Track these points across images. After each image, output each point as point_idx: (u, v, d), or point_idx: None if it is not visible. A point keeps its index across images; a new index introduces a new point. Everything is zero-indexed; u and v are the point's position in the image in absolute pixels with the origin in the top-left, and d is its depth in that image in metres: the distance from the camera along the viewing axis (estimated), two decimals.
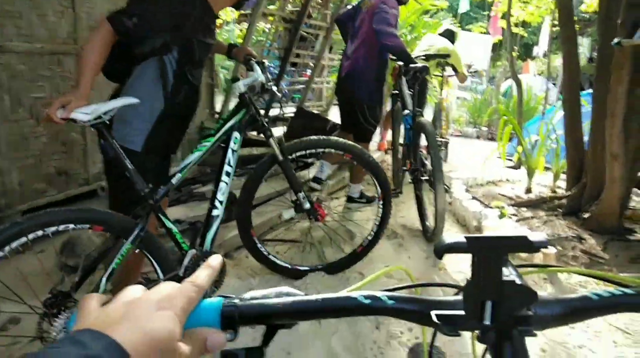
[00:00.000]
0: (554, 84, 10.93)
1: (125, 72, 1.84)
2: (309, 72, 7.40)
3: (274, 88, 2.18)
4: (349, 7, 3.72)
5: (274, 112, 5.67)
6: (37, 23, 2.68)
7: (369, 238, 2.66)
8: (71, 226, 1.58)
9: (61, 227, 1.55)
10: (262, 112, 2.16)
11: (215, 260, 0.47)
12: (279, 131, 5.35)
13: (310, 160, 4.29)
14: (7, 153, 2.58)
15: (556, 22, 5.15)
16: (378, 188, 2.59)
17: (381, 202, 2.62)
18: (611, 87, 2.81)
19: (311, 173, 4.20)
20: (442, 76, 5.55)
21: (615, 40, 2.56)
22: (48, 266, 2.34)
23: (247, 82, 2.09)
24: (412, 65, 3.17)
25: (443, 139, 5.69)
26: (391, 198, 2.66)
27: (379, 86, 3.51)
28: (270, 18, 5.54)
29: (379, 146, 5.77)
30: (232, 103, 4.71)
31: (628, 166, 3.07)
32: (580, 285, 2.71)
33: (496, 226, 3.17)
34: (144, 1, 1.75)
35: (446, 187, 3.23)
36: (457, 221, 3.64)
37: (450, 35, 5.45)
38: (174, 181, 1.89)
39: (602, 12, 3.14)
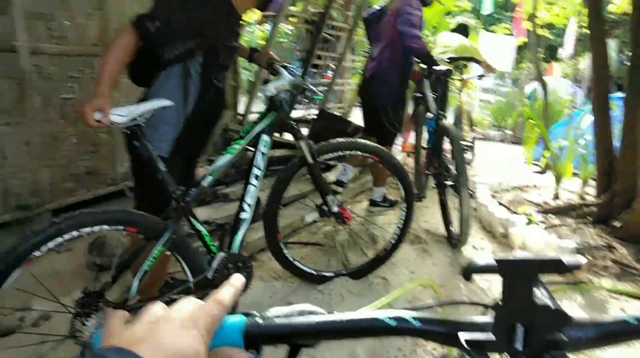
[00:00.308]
0: (579, 87, 10.70)
1: (151, 76, 1.84)
2: (330, 74, 7.39)
3: (311, 86, 2.18)
4: (376, 7, 3.69)
5: (296, 114, 5.71)
6: (67, 25, 2.72)
7: (392, 241, 2.64)
8: (105, 227, 1.59)
9: (96, 228, 1.56)
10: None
11: (238, 279, 0.47)
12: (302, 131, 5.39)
13: (331, 162, 4.28)
14: (38, 153, 2.63)
15: (582, 24, 5.03)
16: (402, 190, 2.57)
17: (405, 205, 2.60)
18: None
19: (331, 175, 4.20)
20: (461, 79, 5.46)
21: None
22: (77, 264, 2.38)
23: (277, 84, 2.07)
24: (435, 68, 3.13)
25: (468, 142, 5.60)
26: (413, 199, 2.63)
27: (402, 88, 3.48)
28: (293, 20, 5.54)
29: (402, 147, 5.72)
30: (256, 105, 4.76)
31: None
32: (612, 296, 2.64)
33: (523, 233, 3.11)
34: (168, 6, 1.74)
35: (471, 192, 3.18)
36: (482, 227, 3.58)
37: (463, 29, 5.36)
38: (204, 183, 1.88)
39: (635, 17, 3.05)
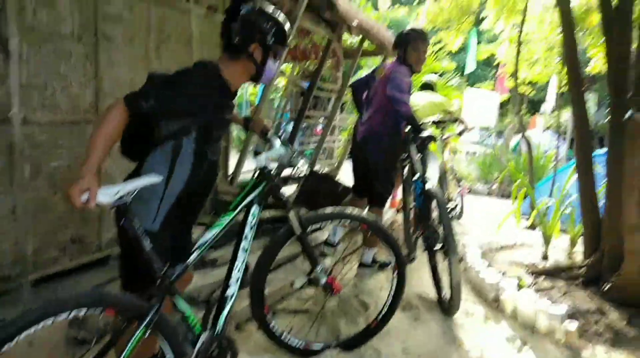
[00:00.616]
0: (563, 138, 10.98)
1: (144, 151, 1.83)
2: (319, 127, 7.54)
3: (300, 161, 2.21)
4: (364, 75, 3.85)
5: (285, 171, 5.75)
6: (60, 94, 2.76)
7: (384, 311, 2.59)
8: (83, 310, 1.54)
9: (73, 313, 1.51)
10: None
11: None
12: (291, 189, 5.40)
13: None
14: (24, 222, 2.58)
15: (563, 81, 5.25)
16: (393, 258, 2.55)
17: (396, 272, 2.57)
18: (626, 158, 2.80)
19: (321, 234, 4.18)
20: (443, 138, 5.57)
21: (628, 114, 2.59)
22: (56, 339, 2.29)
23: (269, 155, 2.07)
24: (421, 134, 3.21)
25: (455, 202, 5.67)
26: (406, 268, 2.61)
27: (394, 151, 3.56)
28: (284, 80, 5.70)
29: (390, 204, 5.75)
30: (246, 164, 4.79)
31: None
32: None
33: (515, 298, 3.09)
34: (163, 85, 1.74)
35: (460, 256, 3.18)
36: (473, 290, 3.54)
37: (430, 87, 5.59)
38: (190, 260, 1.85)
39: (612, 83, 3.19)
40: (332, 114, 6.23)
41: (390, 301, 2.58)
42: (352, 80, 6.39)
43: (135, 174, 1.85)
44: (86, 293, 1.62)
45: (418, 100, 5.32)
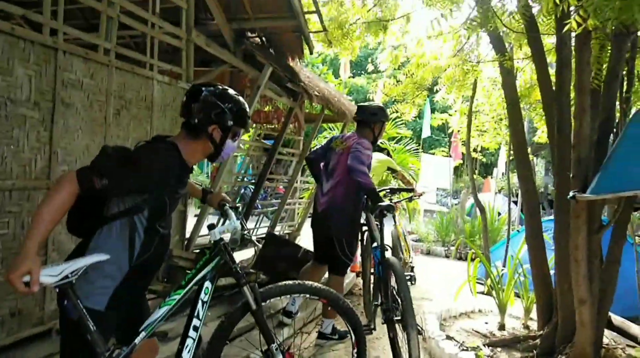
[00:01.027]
0: (515, 202, 11.45)
1: (91, 227, 1.77)
2: (281, 186, 7.58)
3: (252, 238, 2.20)
4: (318, 147, 3.93)
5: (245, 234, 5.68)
6: (11, 159, 2.67)
7: None
8: None
9: None
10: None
11: None
12: (249, 253, 5.30)
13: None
14: None
15: (512, 149, 5.58)
16: (352, 335, 2.50)
17: (355, 350, 2.51)
18: (572, 235, 2.94)
19: (279, 303, 4.08)
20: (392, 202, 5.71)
21: (571, 194, 2.74)
22: None
23: (223, 229, 2.06)
24: (380, 204, 3.26)
25: (409, 266, 5.74)
26: (365, 344, 2.55)
27: (356, 221, 3.62)
28: (246, 146, 5.75)
29: (351, 268, 5.73)
30: (205, 223, 4.69)
31: (596, 308, 3.11)
32: None
33: None
34: (118, 162, 1.71)
35: (419, 328, 3.16)
36: None
37: (380, 148, 5.82)
38: (137, 340, 1.78)
39: (554, 160, 3.40)
40: (293, 177, 6.30)
41: None
42: (313, 144, 6.56)
43: (80, 250, 1.79)
44: None
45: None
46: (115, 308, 1.77)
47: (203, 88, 1.90)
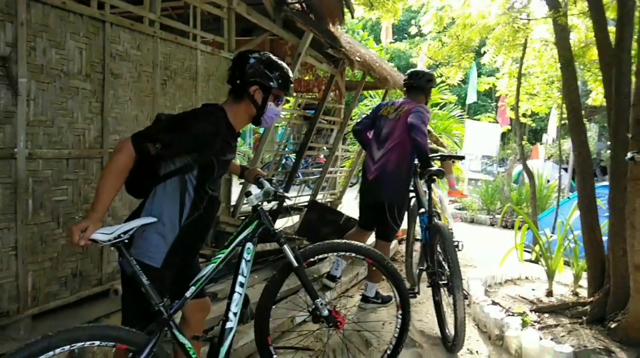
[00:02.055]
0: (565, 169, 11.00)
1: (147, 188, 1.90)
2: (322, 156, 7.60)
3: (286, 194, 2.27)
4: (365, 116, 3.87)
5: (288, 202, 5.77)
6: (66, 129, 2.80)
7: (388, 352, 2.55)
8: (97, 343, 1.61)
9: (87, 343, 1.59)
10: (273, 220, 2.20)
11: None
12: (294, 219, 5.39)
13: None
14: (24, 257, 2.58)
15: (563, 114, 5.33)
16: (397, 297, 2.52)
17: (400, 312, 2.53)
18: (628, 199, 2.80)
19: (323, 267, 4.16)
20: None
21: (629, 155, 2.60)
22: None
23: (259, 194, 2.15)
24: (429, 169, 3.22)
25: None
26: (409, 308, 2.57)
27: (406, 187, 3.60)
28: (287, 115, 5.77)
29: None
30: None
31: None
32: None
33: (519, 337, 3.04)
34: (171, 126, 1.83)
35: (465, 293, 3.15)
36: (477, 326, 3.49)
37: None
38: (187, 294, 1.89)
39: (611, 122, 3.22)
40: (334, 146, 6.29)
41: (394, 341, 2.54)
42: (354, 112, 6.49)
43: (138, 211, 1.92)
44: (102, 326, 1.71)
45: None
46: (171, 267, 1.89)
47: (249, 54, 1.99)
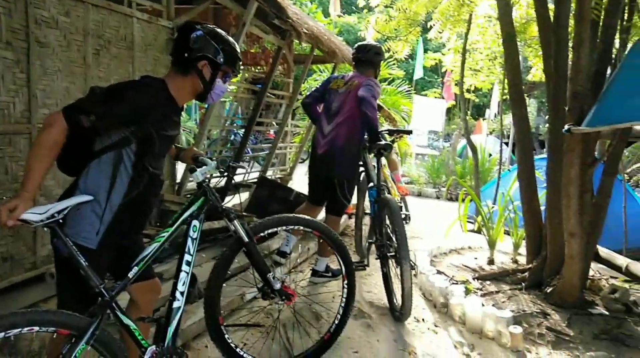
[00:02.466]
0: (506, 143, 11.49)
1: (81, 165, 1.78)
2: (272, 131, 7.48)
3: (240, 164, 2.27)
4: (314, 89, 3.80)
5: (236, 178, 5.65)
6: None
7: (336, 322, 2.59)
8: (36, 328, 1.53)
9: (25, 330, 1.50)
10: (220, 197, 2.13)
11: None
12: (243, 197, 5.30)
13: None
14: None
15: (505, 90, 5.51)
16: (342, 267, 2.56)
17: (346, 282, 2.58)
18: (564, 169, 2.94)
19: (274, 243, 4.13)
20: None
21: (566, 127, 2.71)
22: None
23: (204, 170, 2.07)
24: (378, 143, 3.24)
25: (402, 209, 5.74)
26: (355, 278, 2.62)
27: (356, 161, 3.58)
28: (234, 89, 5.59)
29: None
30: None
31: (585, 242, 3.17)
32: None
33: (462, 304, 3.16)
34: (105, 96, 1.70)
35: (412, 264, 3.24)
36: (423, 295, 3.60)
37: None
38: (130, 274, 1.81)
39: (550, 96, 3.34)
40: (283, 121, 6.19)
41: (341, 312, 2.59)
42: (303, 87, 6.40)
43: (71, 189, 1.80)
44: (41, 311, 1.63)
45: None
46: (108, 246, 1.79)
47: (196, 26, 1.88)
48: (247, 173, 6.03)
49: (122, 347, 1.80)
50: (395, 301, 3.22)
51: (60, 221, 1.64)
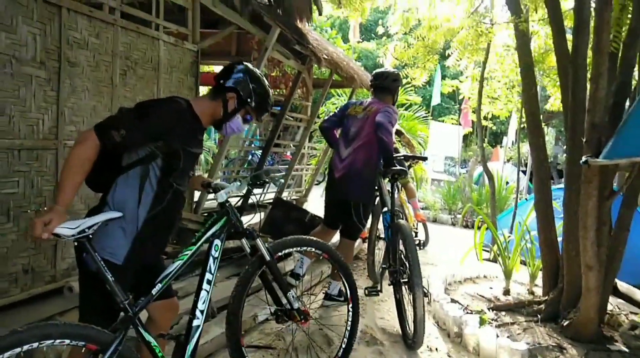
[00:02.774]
0: (523, 171, 11.37)
1: (108, 181, 1.83)
2: (289, 153, 7.54)
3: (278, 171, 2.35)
4: (333, 114, 3.88)
5: (252, 199, 5.69)
6: (18, 119, 2.66)
7: (343, 346, 2.62)
8: (67, 341, 1.55)
9: (57, 341, 1.52)
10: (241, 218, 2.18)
11: None
12: (257, 218, 5.34)
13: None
14: None
15: (523, 117, 5.51)
16: (348, 291, 2.64)
17: (350, 305, 2.65)
18: (582, 201, 2.91)
19: (286, 266, 4.13)
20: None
21: (583, 159, 2.70)
22: None
23: (228, 190, 2.13)
24: (392, 168, 3.29)
25: (415, 232, 5.74)
26: (358, 301, 2.71)
27: (373, 186, 3.62)
28: None
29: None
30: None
31: (602, 275, 3.12)
32: None
33: (477, 334, 3.11)
34: (134, 113, 1.78)
35: (425, 290, 3.22)
36: (437, 324, 3.55)
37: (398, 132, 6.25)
38: (153, 291, 1.84)
39: (568, 126, 3.33)
40: (301, 143, 6.26)
41: (347, 335, 2.63)
42: (321, 110, 6.48)
43: (101, 205, 1.84)
44: (75, 325, 1.63)
45: None
46: (133, 262, 1.83)
47: (245, 63, 2.02)
48: (263, 193, 6.09)
49: None
50: (407, 328, 3.18)
51: (90, 236, 1.68)
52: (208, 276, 2.01)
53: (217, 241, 2.05)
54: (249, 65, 2.04)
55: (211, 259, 2.02)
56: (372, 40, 20.61)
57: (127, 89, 3.31)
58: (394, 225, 3.36)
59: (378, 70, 3.83)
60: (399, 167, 3.35)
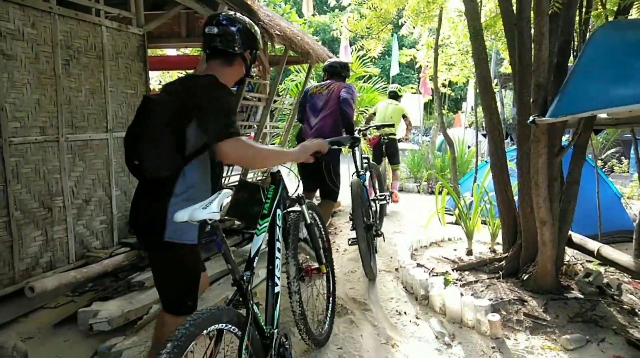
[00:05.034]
0: (484, 135, 11.63)
1: (174, 167, 1.79)
2: (252, 133, 7.46)
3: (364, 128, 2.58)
4: (299, 107, 4.23)
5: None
6: None
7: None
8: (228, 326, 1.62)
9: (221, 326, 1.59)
10: None
11: None
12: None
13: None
14: None
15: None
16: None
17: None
18: (532, 159, 3.02)
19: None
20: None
21: (530, 119, 2.78)
22: None
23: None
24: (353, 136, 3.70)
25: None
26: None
27: (340, 150, 3.96)
28: None
29: None
30: None
31: (557, 228, 3.27)
32: (528, 350, 2.77)
33: (442, 295, 3.23)
34: (231, 107, 1.80)
35: (381, 232, 4.03)
36: (405, 289, 3.66)
37: (395, 95, 6.84)
38: (254, 264, 1.89)
39: (516, 87, 3.42)
40: (262, 122, 6.20)
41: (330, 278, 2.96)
42: (280, 87, 6.40)
43: (166, 194, 1.78)
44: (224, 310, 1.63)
45: (385, 109, 6.64)
46: (200, 241, 1.89)
47: (234, 19, 1.97)
48: (227, 177, 6.03)
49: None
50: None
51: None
52: (277, 244, 2.10)
53: (278, 211, 2.13)
54: (230, 14, 2.00)
55: (277, 228, 2.11)
56: (327, 13, 20.39)
57: (71, 79, 3.19)
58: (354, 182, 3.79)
59: (330, 61, 4.36)
60: (356, 135, 3.78)
